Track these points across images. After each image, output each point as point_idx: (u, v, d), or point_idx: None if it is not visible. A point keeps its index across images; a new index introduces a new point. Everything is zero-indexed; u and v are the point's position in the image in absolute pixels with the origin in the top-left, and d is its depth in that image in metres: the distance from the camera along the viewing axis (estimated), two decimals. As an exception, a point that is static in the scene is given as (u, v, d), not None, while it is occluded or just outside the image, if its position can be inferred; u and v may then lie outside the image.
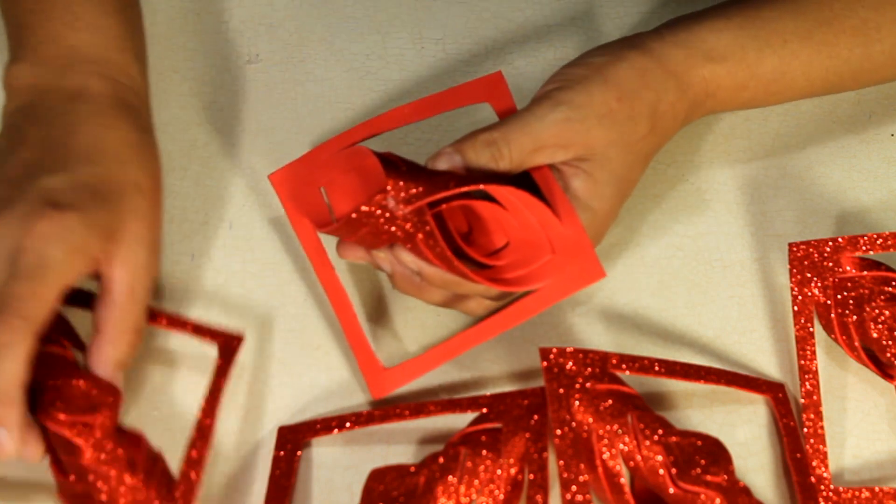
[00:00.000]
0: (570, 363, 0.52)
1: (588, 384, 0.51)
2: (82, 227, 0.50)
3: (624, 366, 0.53)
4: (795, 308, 0.57)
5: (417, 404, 0.55)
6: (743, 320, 0.59)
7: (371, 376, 0.56)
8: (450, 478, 0.50)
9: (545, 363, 0.52)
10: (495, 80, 0.58)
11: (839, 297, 0.57)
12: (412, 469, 0.50)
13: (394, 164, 0.52)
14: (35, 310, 0.48)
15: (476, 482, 0.50)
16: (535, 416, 0.52)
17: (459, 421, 0.54)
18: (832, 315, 0.57)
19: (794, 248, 0.58)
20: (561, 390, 0.51)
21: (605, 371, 0.52)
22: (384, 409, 0.55)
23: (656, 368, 0.54)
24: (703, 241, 0.62)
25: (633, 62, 0.55)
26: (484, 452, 0.51)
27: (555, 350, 0.52)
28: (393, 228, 0.51)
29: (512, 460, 0.51)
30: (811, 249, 0.58)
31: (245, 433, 0.55)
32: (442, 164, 0.53)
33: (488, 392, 0.54)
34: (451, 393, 0.57)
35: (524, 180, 0.55)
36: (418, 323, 0.59)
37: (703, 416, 0.56)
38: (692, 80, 0.56)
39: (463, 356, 0.57)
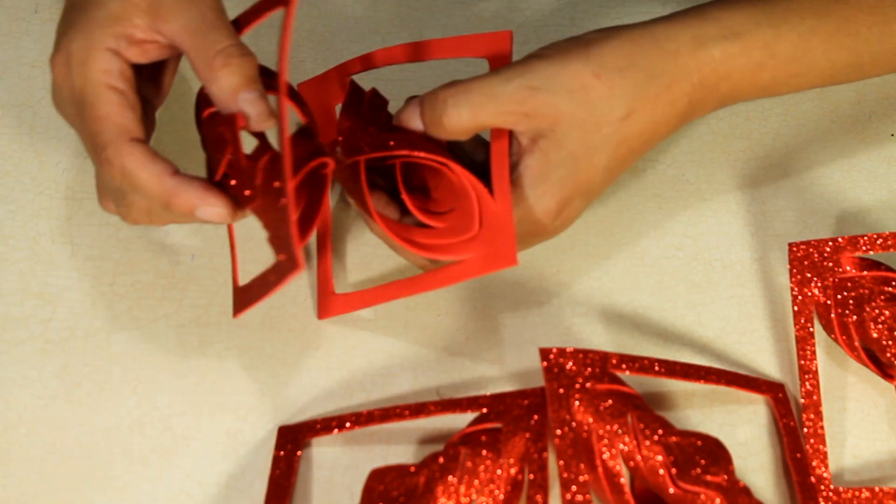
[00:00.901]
0: (570, 363, 0.52)
1: (588, 384, 0.51)
2: (98, 28, 0.50)
3: (624, 366, 0.53)
4: (795, 308, 0.57)
5: (417, 404, 0.55)
6: (743, 320, 0.59)
7: (322, 297, 0.59)
8: (450, 478, 0.50)
9: (545, 363, 0.52)
10: (501, 39, 0.56)
11: (839, 297, 0.57)
12: (412, 469, 0.50)
13: (356, 109, 0.53)
14: (113, 130, 0.50)
15: (476, 482, 0.50)
16: (535, 416, 0.52)
17: (459, 421, 0.54)
18: (832, 315, 0.57)
19: (794, 248, 0.58)
20: (561, 390, 0.51)
21: (605, 371, 0.52)
22: (384, 409, 0.55)
23: (656, 368, 0.54)
24: (703, 241, 0.62)
25: (624, 40, 0.53)
26: (484, 452, 0.51)
27: (555, 350, 0.52)
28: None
29: (512, 460, 0.51)
30: (811, 249, 0.58)
31: (245, 433, 0.55)
32: (403, 122, 0.54)
33: (488, 392, 0.54)
34: (451, 393, 0.57)
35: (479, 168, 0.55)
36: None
37: (703, 416, 0.56)
38: (699, 62, 0.53)
39: (463, 356, 0.57)
